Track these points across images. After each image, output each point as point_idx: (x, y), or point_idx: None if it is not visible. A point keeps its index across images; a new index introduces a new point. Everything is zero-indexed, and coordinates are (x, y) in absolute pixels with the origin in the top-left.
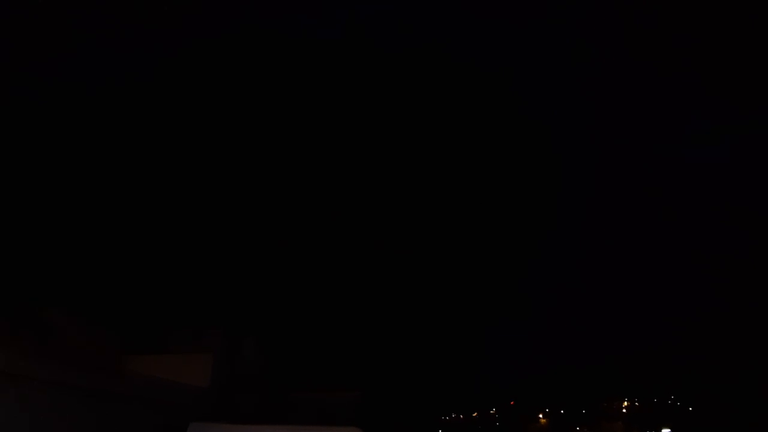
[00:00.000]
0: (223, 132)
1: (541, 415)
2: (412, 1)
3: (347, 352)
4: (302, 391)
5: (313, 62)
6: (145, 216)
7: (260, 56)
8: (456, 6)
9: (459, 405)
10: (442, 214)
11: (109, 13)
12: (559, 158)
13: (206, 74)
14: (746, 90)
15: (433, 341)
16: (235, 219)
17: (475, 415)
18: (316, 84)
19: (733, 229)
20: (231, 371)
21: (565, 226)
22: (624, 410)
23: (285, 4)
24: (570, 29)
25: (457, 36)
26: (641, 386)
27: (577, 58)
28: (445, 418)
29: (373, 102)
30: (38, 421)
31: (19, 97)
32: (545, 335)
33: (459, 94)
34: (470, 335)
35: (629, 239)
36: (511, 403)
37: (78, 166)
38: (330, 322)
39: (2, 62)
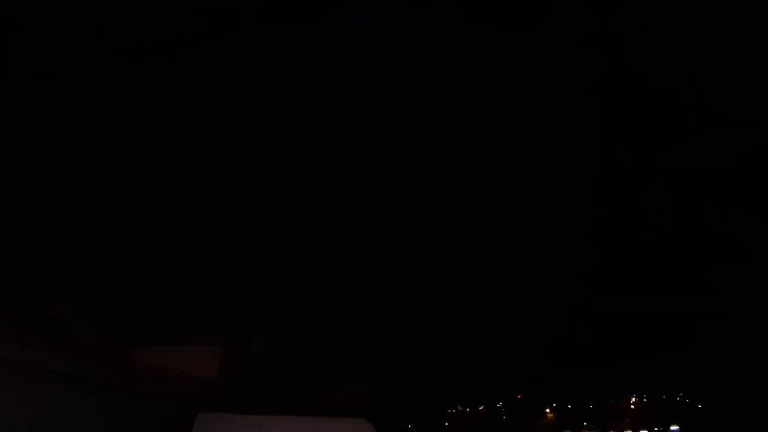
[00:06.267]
0: (235, 136)
1: (548, 410)
2: (419, 11)
3: (356, 348)
4: (309, 386)
5: (323, 72)
6: (159, 213)
7: (268, 65)
8: (462, 17)
9: (466, 398)
10: (454, 226)
11: (129, 22)
12: (565, 171)
13: (219, 81)
14: (747, 94)
15: (441, 338)
16: (246, 218)
17: (482, 408)
18: (333, 92)
19: (737, 232)
20: (239, 365)
21: (575, 237)
22: (632, 406)
23: (293, 18)
24: (573, 41)
25: (463, 47)
26: (650, 383)
27: (580, 69)
28: (451, 411)
29: (386, 111)
30: (45, 411)
31: (39, 103)
32: (554, 333)
33: (466, 105)
34: (479, 332)
35: (637, 245)
36: (518, 397)
37: (92, 166)
38: (339, 319)
39: (20, 73)
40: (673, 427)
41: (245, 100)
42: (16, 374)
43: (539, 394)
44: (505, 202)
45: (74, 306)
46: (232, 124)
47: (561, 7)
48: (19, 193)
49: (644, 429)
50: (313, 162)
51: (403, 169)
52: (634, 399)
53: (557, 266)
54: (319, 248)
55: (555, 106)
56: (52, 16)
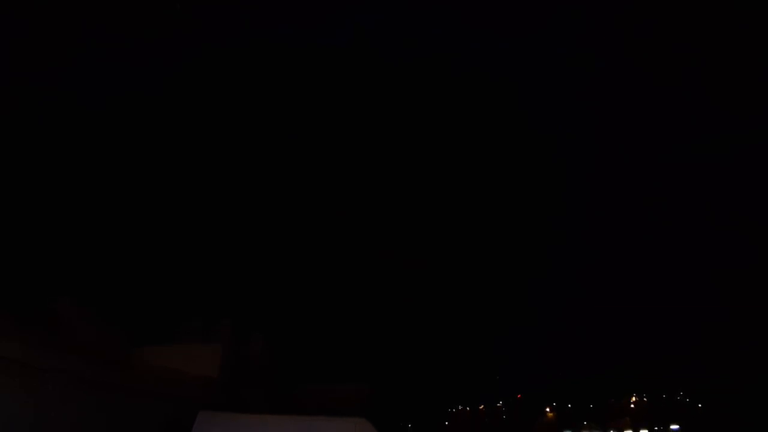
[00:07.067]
0: (235, 136)
1: (548, 410)
2: (419, 11)
3: (357, 347)
4: (309, 385)
5: (323, 72)
6: (159, 213)
7: (268, 65)
8: (462, 17)
9: (466, 398)
10: (454, 226)
11: (134, 25)
12: (565, 171)
13: (219, 81)
14: (747, 94)
15: (440, 338)
16: (246, 218)
17: (482, 407)
18: (333, 92)
19: (737, 232)
20: (239, 365)
21: (575, 237)
22: (632, 406)
23: (293, 18)
24: (573, 41)
25: (463, 47)
26: (650, 383)
27: (580, 69)
28: (451, 410)
29: (386, 110)
30: (45, 411)
31: (39, 103)
32: (554, 333)
33: (466, 105)
34: (479, 332)
35: (637, 245)
36: (518, 396)
37: (92, 165)
38: (338, 318)
39: (20, 73)
40: (673, 427)
41: (245, 100)
42: (16, 374)
43: (539, 394)
44: (504, 202)
45: (75, 305)
46: (233, 124)
47: (561, 7)
48: (19, 193)
49: (644, 428)
50: (313, 162)
51: (402, 169)
52: (634, 398)
53: (557, 266)
54: (319, 248)
55: (555, 106)
56: (52, 16)
